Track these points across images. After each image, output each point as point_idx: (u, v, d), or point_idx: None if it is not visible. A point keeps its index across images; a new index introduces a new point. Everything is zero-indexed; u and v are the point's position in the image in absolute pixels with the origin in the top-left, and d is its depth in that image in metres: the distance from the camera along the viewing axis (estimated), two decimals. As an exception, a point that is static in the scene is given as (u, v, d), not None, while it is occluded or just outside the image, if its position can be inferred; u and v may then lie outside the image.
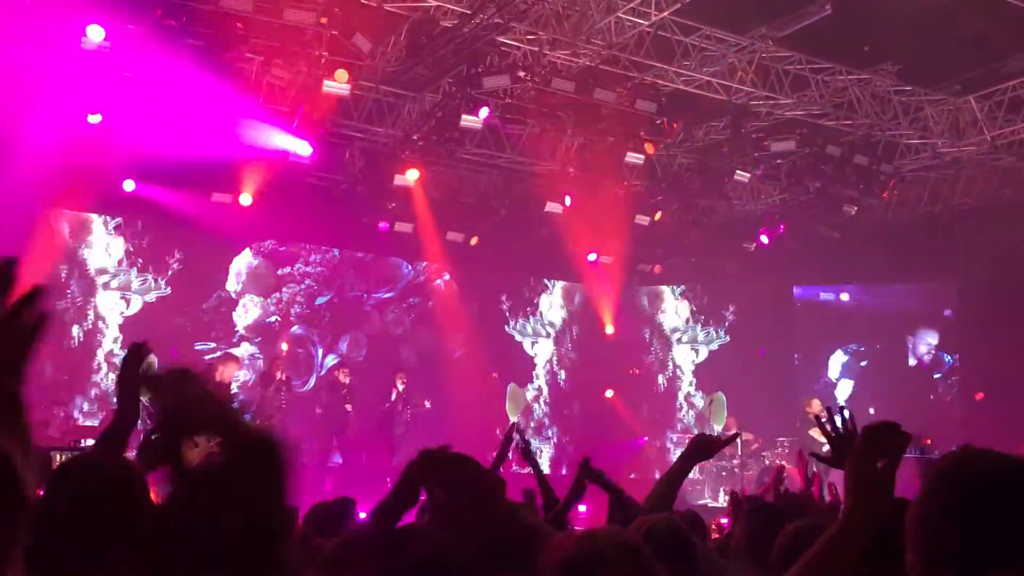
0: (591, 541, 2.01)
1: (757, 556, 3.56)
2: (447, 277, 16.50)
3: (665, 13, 10.04)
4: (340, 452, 13.59)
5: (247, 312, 14.64)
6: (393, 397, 13.76)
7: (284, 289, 15.02)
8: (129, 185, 12.55)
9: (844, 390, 16.87)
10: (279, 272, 15.06)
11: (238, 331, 14.46)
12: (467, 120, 11.24)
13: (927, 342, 16.71)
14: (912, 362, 16.75)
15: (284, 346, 14.43)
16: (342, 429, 13.48)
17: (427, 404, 14.02)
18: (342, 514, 4.44)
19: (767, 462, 14.47)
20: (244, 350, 14.34)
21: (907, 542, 1.52)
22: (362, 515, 4.74)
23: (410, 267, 16.23)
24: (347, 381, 13.41)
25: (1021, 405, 12.55)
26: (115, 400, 2.94)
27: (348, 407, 13.31)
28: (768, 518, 3.83)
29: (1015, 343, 13.40)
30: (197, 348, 13.83)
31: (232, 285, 14.62)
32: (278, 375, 12.65)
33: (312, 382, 14.82)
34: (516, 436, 5.33)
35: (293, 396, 13.07)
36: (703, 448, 4.03)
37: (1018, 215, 13.23)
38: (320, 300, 15.31)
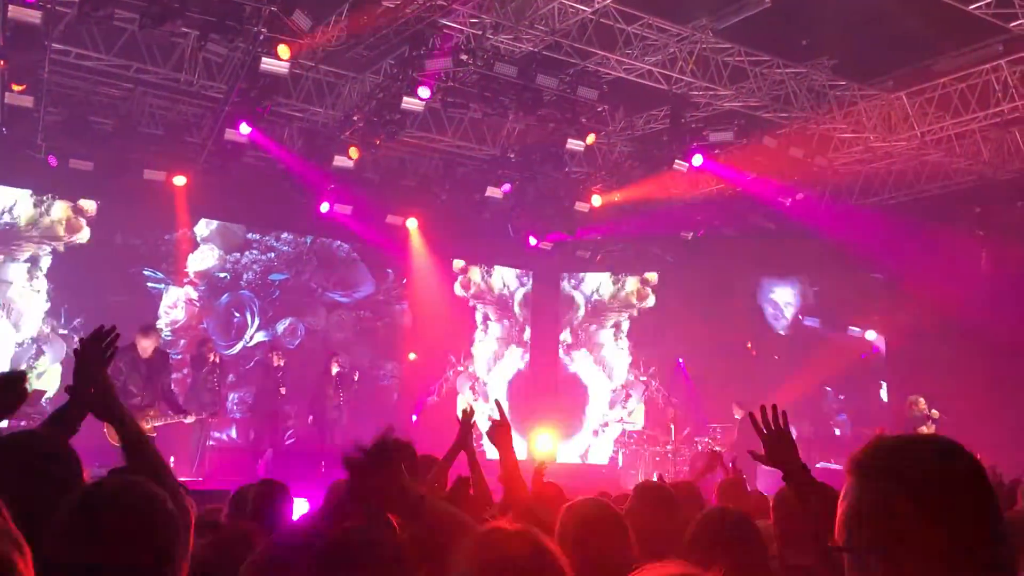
0: (501, 547, 1.92)
1: (649, 535, 3.64)
2: (405, 305, 16.47)
3: (607, 1, 10.07)
4: (272, 435, 13.41)
5: (203, 259, 14.75)
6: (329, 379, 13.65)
7: (247, 252, 15.16)
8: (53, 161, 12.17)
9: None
10: (248, 236, 15.22)
11: (188, 272, 14.55)
12: (408, 102, 11.14)
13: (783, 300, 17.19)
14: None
15: (225, 298, 14.72)
16: (277, 412, 13.31)
17: (356, 376, 14.04)
18: (268, 497, 4.36)
19: (699, 448, 14.71)
20: (187, 292, 14.50)
21: (861, 543, 1.49)
22: (298, 501, 4.68)
23: (374, 284, 16.17)
24: (281, 364, 13.23)
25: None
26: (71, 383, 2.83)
27: (282, 390, 13.14)
28: (658, 497, 3.92)
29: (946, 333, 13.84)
30: (145, 273, 14.10)
31: (200, 229, 14.78)
32: (211, 357, 12.43)
33: (237, 349, 14.76)
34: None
35: (224, 381, 12.95)
36: (498, 431, 4.08)
37: (947, 209, 13.64)
38: (275, 276, 15.34)
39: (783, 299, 17.23)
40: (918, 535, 1.43)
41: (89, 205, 13.74)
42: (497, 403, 4.11)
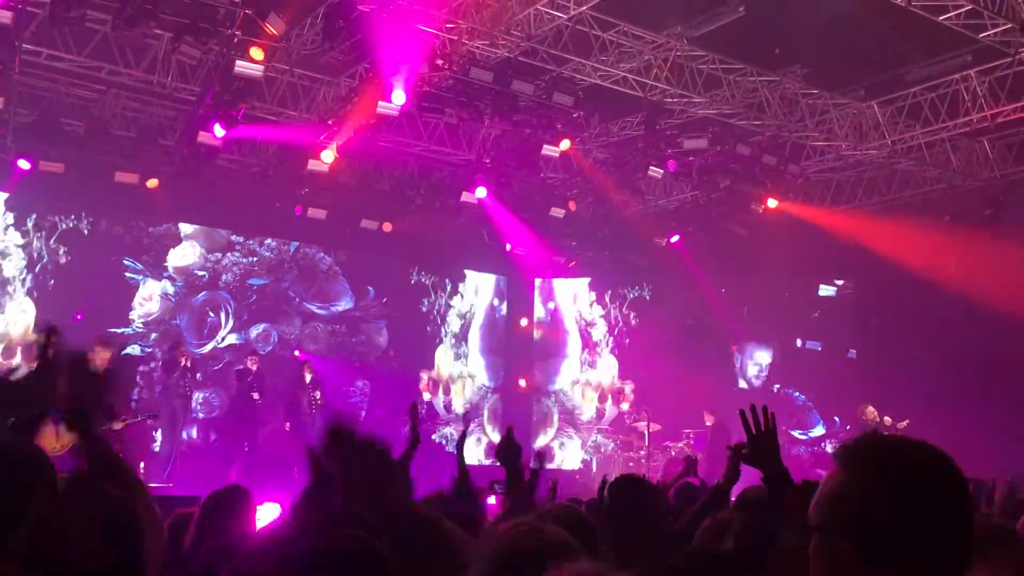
0: (536, 537, 2.03)
1: (620, 524, 3.72)
2: (383, 324, 16.36)
3: (583, 8, 10.11)
4: (249, 440, 13.32)
5: (183, 256, 14.64)
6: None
7: (228, 254, 15.04)
8: (24, 164, 12.02)
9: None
10: (232, 237, 15.10)
11: (167, 267, 14.45)
12: (383, 107, 11.11)
13: (757, 362, 17.16)
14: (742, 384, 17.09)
15: (201, 296, 14.65)
16: (250, 417, 13.24)
17: (318, 396, 13.93)
18: (233, 503, 4.32)
19: (672, 453, 14.78)
20: (164, 286, 14.39)
21: (832, 525, 1.52)
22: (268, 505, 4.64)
23: (353, 299, 16.07)
24: (254, 369, 13.17)
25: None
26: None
27: (255, 395, 13.08)
28: (632, 491, 3.99)
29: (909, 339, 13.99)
30: (125, 263, 13.98)
31: (185, 226, 14.67)
32: (183, 362, 12.35)
33: (207, 349, 14.69)
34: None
35: (194, 383, 12.85)
36: (507, 452, 4.09)
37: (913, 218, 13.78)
38: (254, 281, 15.22)
39: (762, 361, 17.17)
40: (891, 529, 1.45)
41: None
42: (509, 428, 4.20)
